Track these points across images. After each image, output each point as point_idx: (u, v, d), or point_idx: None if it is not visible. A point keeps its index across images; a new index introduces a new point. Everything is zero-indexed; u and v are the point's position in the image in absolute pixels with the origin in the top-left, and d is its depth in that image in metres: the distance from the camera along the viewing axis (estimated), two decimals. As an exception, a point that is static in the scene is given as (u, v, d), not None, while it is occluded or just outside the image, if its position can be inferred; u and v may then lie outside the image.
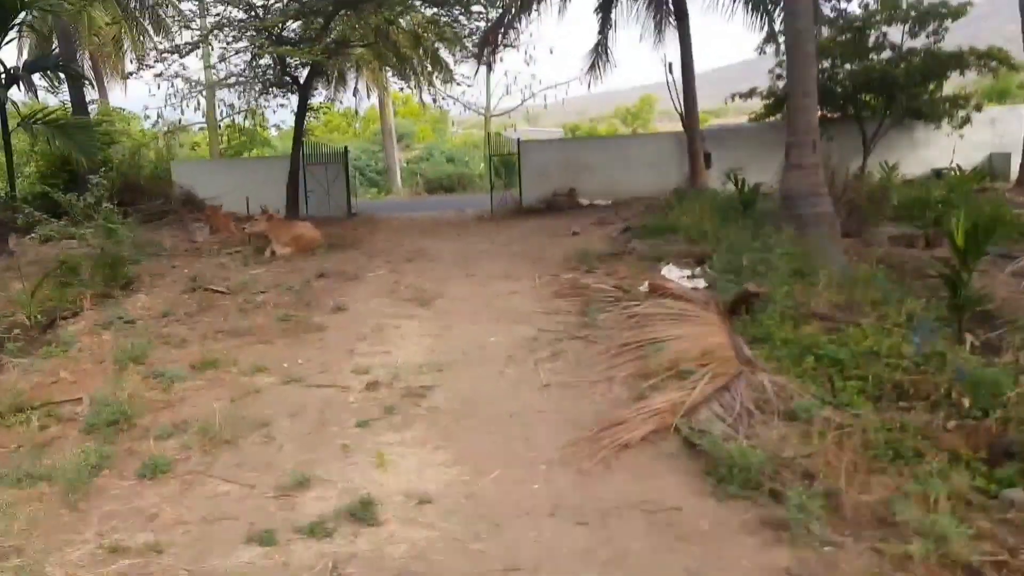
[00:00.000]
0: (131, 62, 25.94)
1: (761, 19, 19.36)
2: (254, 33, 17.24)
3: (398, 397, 5.89)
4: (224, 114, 25.98)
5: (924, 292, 7.68)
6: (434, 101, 22.75)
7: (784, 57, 18.40)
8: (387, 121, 33.48)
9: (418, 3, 17.58)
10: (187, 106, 19.79)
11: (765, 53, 19.85)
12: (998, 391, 4.79)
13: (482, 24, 18.62)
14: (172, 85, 19.26)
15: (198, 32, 18.35)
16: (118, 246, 10.66)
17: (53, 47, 19.73)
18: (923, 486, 3.85)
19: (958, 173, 15.33)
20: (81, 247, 10.75)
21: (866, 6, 18.27)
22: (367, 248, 13.92)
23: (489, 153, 22.56)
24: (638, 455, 4.67)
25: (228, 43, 17.85)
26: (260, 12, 16.99)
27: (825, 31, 18.37)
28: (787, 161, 10.50)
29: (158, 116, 24.01)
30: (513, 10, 19.07)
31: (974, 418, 4.63)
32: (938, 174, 17.43)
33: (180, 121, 27.78)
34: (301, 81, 18.91)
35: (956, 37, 18.11)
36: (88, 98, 20.07)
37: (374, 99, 32.92)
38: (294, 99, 19.68)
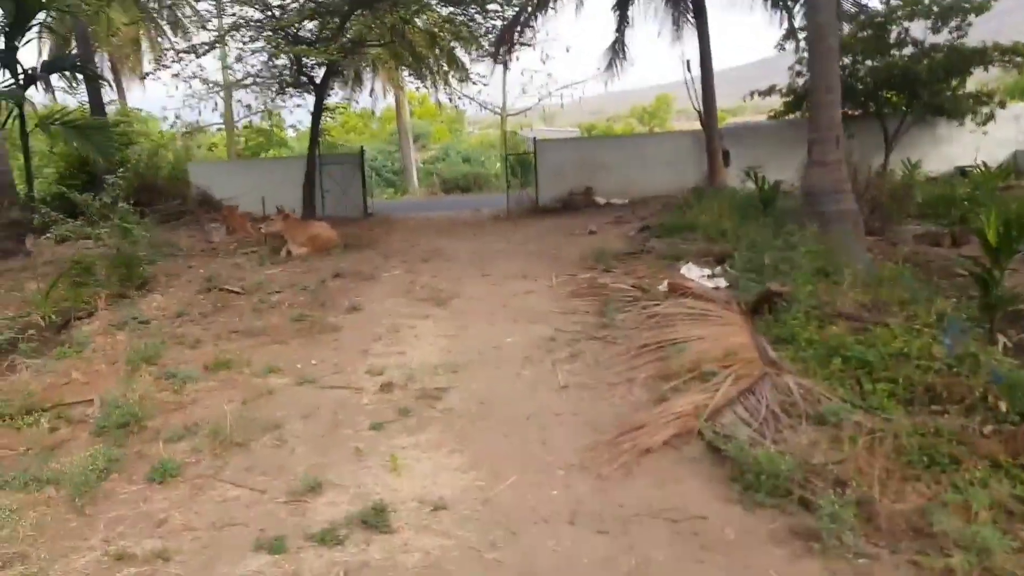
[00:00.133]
0: (149, 63, 26.08)
1: (781, 15, 19.14)
2: (271, 33, 17.21)
3: (413, 399, 5.77)
4: (241, 115, 26.04)
5: (953, 291, 7.48)
6: (450, 101, 22.65)
7: (804, 53, 18.29)
8: (403, 121, 33.44)
9: (434, 2, 17.47)
10: (204, 107, 19.81)
11: (784, 50, 19.63)
12: (1037, 394, 4.61)
13: (498, 23, 18.50)
14: (190, 86, 19.33)
15: (215, 32, 18.36)
16: (134, 246, 10.62)
17: (72, 48, 19.81)
18: (962, 495, 3.68)
19: (983, 170, 15.02)
20: (97, 247, 10.71)
21: (887, 2, 17.99)
22: (383, 248, 13.83)
23: (505, 152, 22.45)
24: (660, 460, 4.51)
25: (245, 43, 17.86)
26: (276, 12, 16.95)
27: (846, 28, 18.09)
28: (809, 158, 10.29)
29: (176, 117, 24.14)
30: (529, 8, 18.94)
31: (1012, 423, 4.43)
32: (962, 172, 17.13)
33: (198, 122, 27.90)
34: (317, 81, 18.87)
35: (979, 32, 17.78)
36: (106, 99, 20.11)
37: (390, 99, 32.94)
38: (311, 99, 19.65)
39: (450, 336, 7.54)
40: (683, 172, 18.79)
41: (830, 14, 10.33)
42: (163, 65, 18.50)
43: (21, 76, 15.86)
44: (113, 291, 9.81)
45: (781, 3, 18.87)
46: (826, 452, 4.29)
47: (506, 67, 21.95)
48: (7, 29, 15.47)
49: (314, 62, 17.96)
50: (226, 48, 20.08)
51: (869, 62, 18.19)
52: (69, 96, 19.84)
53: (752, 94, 19.92)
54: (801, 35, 18.40)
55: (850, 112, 18.22)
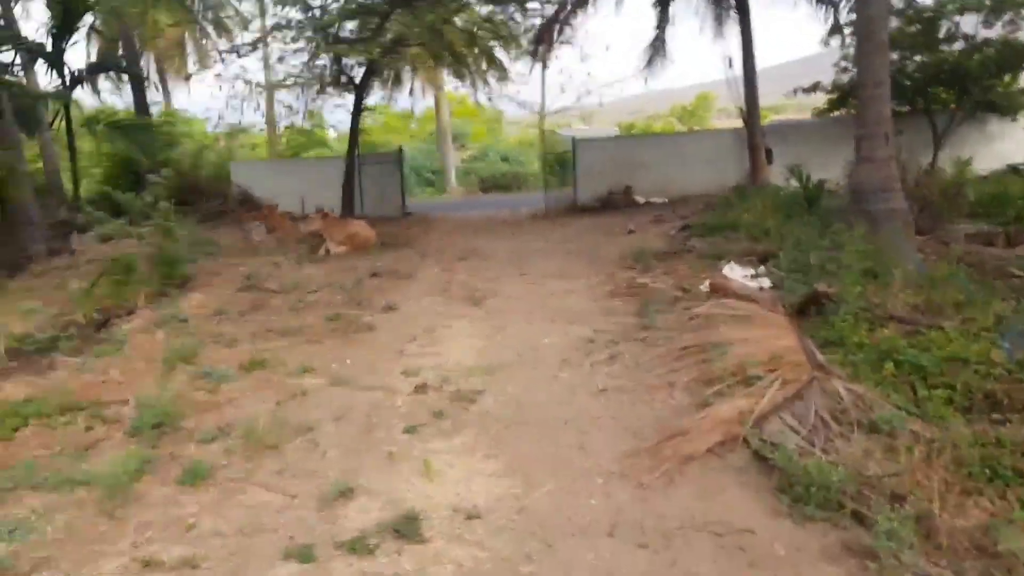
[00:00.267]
0: (193, 64, 26.40)
1: (826, 10, 18.67)
2: (311, 33, 17.27)
3: (447, 401, 5.64)
4: (283, 115, 26.21)
5: (1009, 293, 7.13)
6: (489, 100, 22.54)
7: (850, 49, 17.82)
8: (442, 121, 33.41)
9: (473, 1, 17.38)
10: (247, 107, 19.96)
11: (829, 45, 19.13)
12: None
13: (537, 21, 18.33)
14: (232, 87, 19.49)
15: (257, 33, 18.49)
16: (175, 245, 10.70)
17: (118, 51, 20.13)
18: (1029, 511, 3.44)
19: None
20: (140, 246, 10.80)
21: (937, -5, 17.44)
22: (420, 247, 13.77)
23: (543, 151, 22.25)
24: (703, 469, 4.32)
25: (286, 43, 17.95)
26: (317, 12, 17.01)
27: (894, 22, 17.57)
28: (857, 154, 9.96)
29: (219, 117, 24.37)
30: (568, 6, 18.73)
31: (1081, 433, 4.17)
32: (1015, 169, 16.52)
33: (240, 122, 28.18)
34: (357, 81, 18.91)
35: (1033, 26, 17.13)
36: (151, 100, 20.41)
37: (430, 99, 32.92)
38: (350, 99, 19.70)
39: (486, 336, 7.41)
40: (724, 170, 18.45)
41: (880, 7, 9.99)
42: (205, 66, 18.66)
43: (68, 77, 16.12)
44: (154, 289, 9.90)
45: (827, -3, 18.42)
46: (881, 463, 4.07)
47: (545, 66, 21.77)
48: (54, 31, 15.75)
49: (354, 62, 18.01)
50: (268, 48, 20.21)
51: (918, 57, 17.65)
52: (116, 98, 20.21)
53: (796, 91, 19.46)
54: (847, 30, 17.94)
55: (898, 108, 17.69)
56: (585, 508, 3.97)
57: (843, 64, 18.36)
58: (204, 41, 27.06)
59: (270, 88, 22.85)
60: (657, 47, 20.28)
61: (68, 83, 16.37)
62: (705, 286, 8.21)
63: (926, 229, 10.77)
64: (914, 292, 7.12)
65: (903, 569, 3.21)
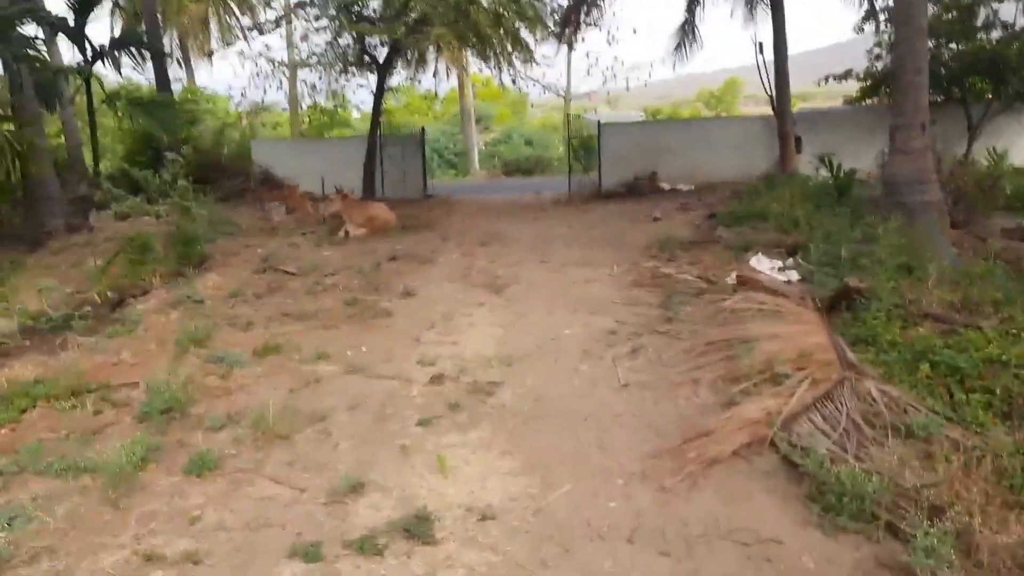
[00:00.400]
0: (217, 42, 26.28)
1: (862, -5, 18.18)
2: (335, 12, 17.08)
3: (464, 393, 5.48)
4: (306, 95, 26.07)
5: (1050, 292, 6.85)
6: (513, 82, 22.24)
7: (884, 36, 17.38)
8: (466, 103, 33.13)
9: (499, -20, 17.09)
10: (270, 86, 19.81)
11: (863, 32, 18.66)
12: None
13: (564, 2, 18.01)
14: (256, 64, 19.36)
15: (280, 11, 18.32)
16: (192, 224, 10.59)
17: (142, 27, 20.06)
18: (1080, 531, 3.22)
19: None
20: (158, 224, 10.71)
21: (975, -17, 16.92)
22: (441, 230, 13.59)
23: (568, 135, 21.94)
24: (729, 472, 4.13)
25: (309, 21, 17.77)
26: (342, -11, 16.80)
27: (931, 9, 17.06)
28: (892, 144, 9.66)
29: (241, 95, 24.25)
30: (596, -13, 18.40)
31: None
32: (1053, 162, 16.05)
33: (263, 101, 28.08)
34: (380, 61, 18.70)
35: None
36: (175, 77, 20.34)
37: (454, 81, 32.63)
38: (373, 80, 19.50)
39: (506, 325, 7.23)
40: (752, 158, 18.07)
41: (920, -9, 9.65)
42: (227, 43, 18.53)
43: (89, 52, 16.04)
44: (170, 269, 9.81)
45: (862, -18, 17.94)
46: (918, 472, 3.86)
47: (571, 48, 21.47)
48: (76, 5, 15.66)
49: (377, 41, 17.79)
50: (291, 27, 20.05)
51: (954, 45, 17.16)
52: (138, 74, 20.13)
53: (827, 78, 19.00)
54: (882, 16, 17.48)
55: (932, 98, 17.20)
56: (604, 511, 3.80)
57: (876, 51, 17.92)
58: (228, 18, 26.94)
59: (293, 67, 22.71)
60: (686, 31, 19.90)
61: (89, 58, 16.28)
62: (732, 278, 7.98)
63: (960, 223, 10.45)
64: (950, 289, 6.87)
65: (943, 589, 3.02)
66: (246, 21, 18.54)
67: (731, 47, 23.17)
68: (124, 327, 7.34)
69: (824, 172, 12.91)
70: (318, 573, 3.33)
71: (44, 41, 15.70)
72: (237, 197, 17.50)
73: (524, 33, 19.19)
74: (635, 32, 27.75)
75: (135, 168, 11.20)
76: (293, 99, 29.95)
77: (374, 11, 17.72)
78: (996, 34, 16.65)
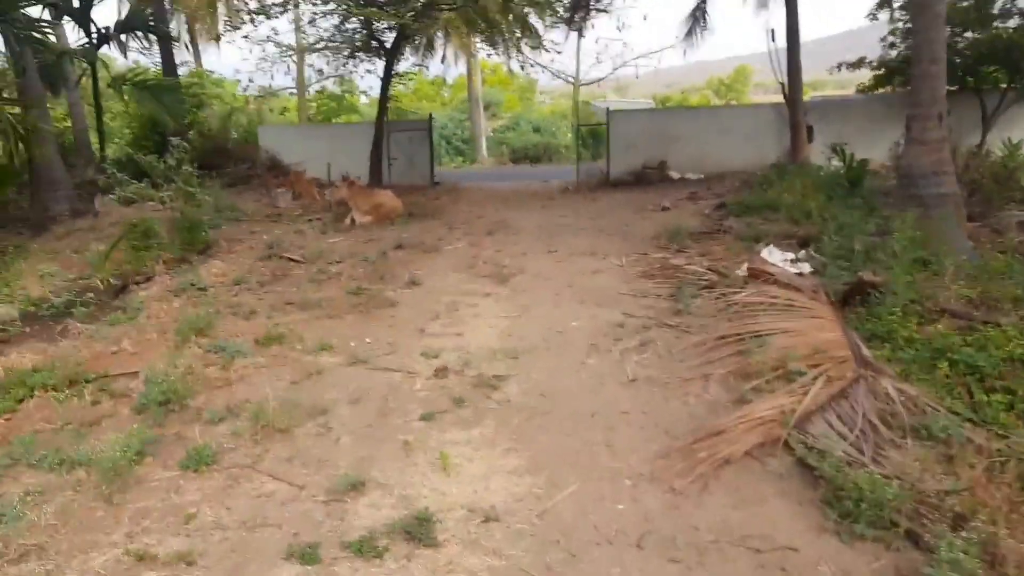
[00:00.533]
0: (224, 25, 26.05)
1: (876, -19, 17.89)
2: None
3: (468, 387, 5.35)
4: (313, 80, 25.93)
5: (1070, 288, 6.67)
6: (522, 69, 22.02)
7: (900, 24, 17.10)
8: (474, 89, 32.91)
9: (508, -36, 16.84)
10: (277, 70, 19.64)
11: (877, 19, 18.37)
12: None
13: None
14: (263, 49, 19.20)
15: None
16: (197, 210, 10.49)
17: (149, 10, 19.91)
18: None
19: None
20: (165, 210, 10.61)
21: (992, -30, 16.62)
22: (448, 218, 13.44)
23: (577, 123, 21.76)
24: (741, 474, 4.00)
25: (316, 4, 17.58)
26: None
27: (946, -3, 16.76)
28: (908, 135, 9.44)
29: (249, 80, 24.11)
30: (607, -28, 18.15)
31: None
32: (1069, 154, 15.78)
33: (270, 85, 27.94)
34: (388, 46, 18.51)
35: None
36: (182, 61, 20.17)
37: (462, 67, 32.42)
38: (381, 65, 19.32)
39: (512, 317, 7.10)
40: (762, 147, 17.85)
41: (938, -24, 9.41)
42: (234, 26, 18.36)
43: (95, 35, 15.90)
44: (174, 255, 9.71)
45: (877, -31, 17.64)
46: (939, 477, 3.72)
47: (580, 34, 21.26)
48: (81, -12, 15.52)
49: (385, 26, 17.59)
50: (299, 10, 19.84)
51: (969, 34, 16.87)
52: (145, 58, 20.00)
53: (840, 66, 18.73)
54: (896, 3, 17.20)
55: (946, 87, 16.96)
56: (612, 514, 3.68)
57: (891, 39, 17.64)
58: (236, 0, 26.70)
59: (300, 51, 22.54)
60: (697, 16, 19.66)
61: (95, 41, 16.14)
62: (743, 270, 7.83)
63: (976, 216, 10.26)
64: (967, 284, 6.70)
65: (967, 604, 2.89)
66: (253, 4, 18.26)
67: (741, 34, 22.85)
68: (126, 314, 7.26)
69: (836, 162, 12.71)
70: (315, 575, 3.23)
71: (49, 23, 15.54)
72: (243, 182, 17.40)
73: (533, 18, 18.98)
74: (645, 18, 27.52)
75: (141, 152, 11.08)
76: (301, 84, 29.83)
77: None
78: (1013, 23, 16.36)
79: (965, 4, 16.65)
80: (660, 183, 17.42)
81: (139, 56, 20.73)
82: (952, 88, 17.14)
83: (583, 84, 34.64)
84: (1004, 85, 16.93)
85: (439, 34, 22.28)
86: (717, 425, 4.48)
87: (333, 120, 29.74)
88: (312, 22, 18.75)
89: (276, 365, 5.92)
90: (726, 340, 5.91)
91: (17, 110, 12.48)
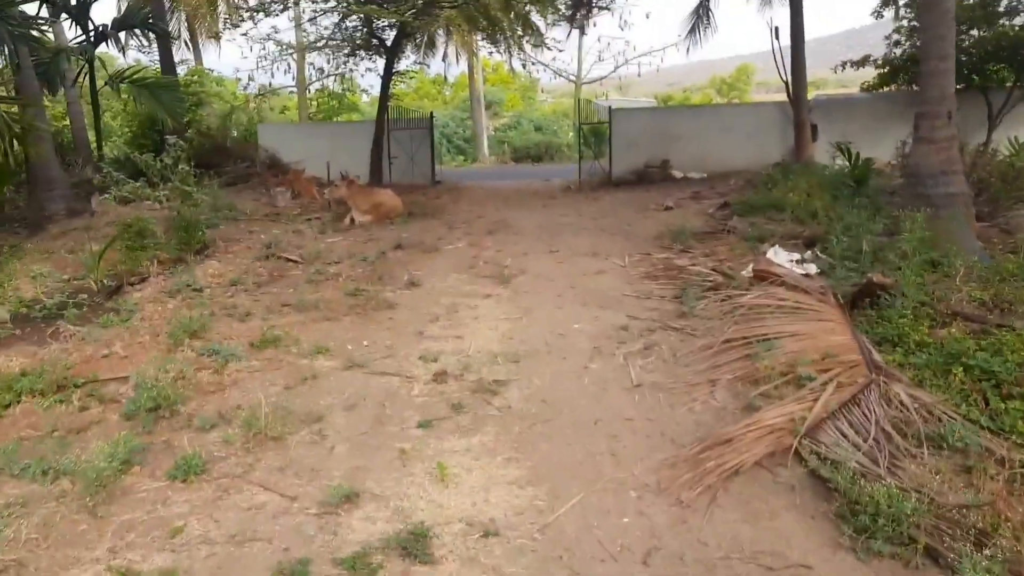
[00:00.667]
0: (224, 23, 25.93)
1: (881, -21, 17.73)
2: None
3: (468, 392, 5.20)
4: (313, 78, 25.75)
5: (1082, 290, 6.51)
6: (524, 67, 21.89)
7: (904, 22, 16.93)
8: (476, 88, 32.73)
9: (510, -38, 16.69)
10: (277, 69, 19.50)
11: (882, 17, 18.21)
12: None
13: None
14: (263, 47, 19.07)
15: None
16: (194, 209, 10.33)
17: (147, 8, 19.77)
18: None
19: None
20: (162, 209, 10.46)
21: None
22: (448, 218, 13.28)
23: (578, 121, 21.58)
24: (750, 485, 3.85)
25: (316, 1, 17.43)
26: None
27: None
28: (915, 134, 9.28)
29: (249, 79, 23.96)
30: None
31: None
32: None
33: (270, 84, 27.80)
34: (388, 44, 18.36)
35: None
36: (182, 59, 20.02)
37: (464, 65, 32.28)
38: (382, 63, 19.17)
39: (513, 320, 6.94)
40: (766, 146, 17.69)
41: (947, -26, 9.24)
42: (234, 24, 18.21)
43: (92, 33, 15.75)
44: (170, 255, 9.56)
45: (882, -35, 17.48)
46: (958, 489, 3.56)
47: (582, 32, 21.09)
48: (79, -16, 15.37)
49: (385, 23, 17.44)
50: (299, 9, 19.70)
51: (975, 32, 16.70)
52: (143, 56, 19.86)
53: (844, 65, 18.58)
54: (901, 0, 17.03)
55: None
56: (617, 528, 3.52)
57: (896, 37, 17.47)
58: (235, -1, 26.56)
59: (300, 49, 22.39)
60: (700, 14, 19.50)
61: (92, 39, 15.99)
62: (748, 271, 7.67)
63: (984, 216, 10.10)
64: (979, 286, 6.54)
65: (993, 630, 2.73)
66: (253, 1, 18.12)
67: (744, 32, 22.69)
68: (119, 316, 7.10)
69: (840, 161, 12.54)
70: (305, 596, 3.08)
71: (46, 20, 15.39)
72: (242, 181, 17.22)
73: (535, 16, 18.84)
74: (648, 17, 27.36)
75: (140, 151, 10.92)
76: (301, 82, 29.68)
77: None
78: (1019, 20, 16.20)
79: (971, 2, 16.49)
80: (662, 182, 17.25)
81: (138, 54, 20.64)
82: (958, 87, 16.97)
83: (585, 83, 34.49)
84: (1010, 83, 16.75)
85: (440, 32, 22.19)
86: (725, 433, 4.33)
87: (334, 119, 29.58)
88: (312, 20, 18.62)
89: (270, 369, 5.77)
90: (732, 344, 5.75)
91: (13, 108, 12.34)
